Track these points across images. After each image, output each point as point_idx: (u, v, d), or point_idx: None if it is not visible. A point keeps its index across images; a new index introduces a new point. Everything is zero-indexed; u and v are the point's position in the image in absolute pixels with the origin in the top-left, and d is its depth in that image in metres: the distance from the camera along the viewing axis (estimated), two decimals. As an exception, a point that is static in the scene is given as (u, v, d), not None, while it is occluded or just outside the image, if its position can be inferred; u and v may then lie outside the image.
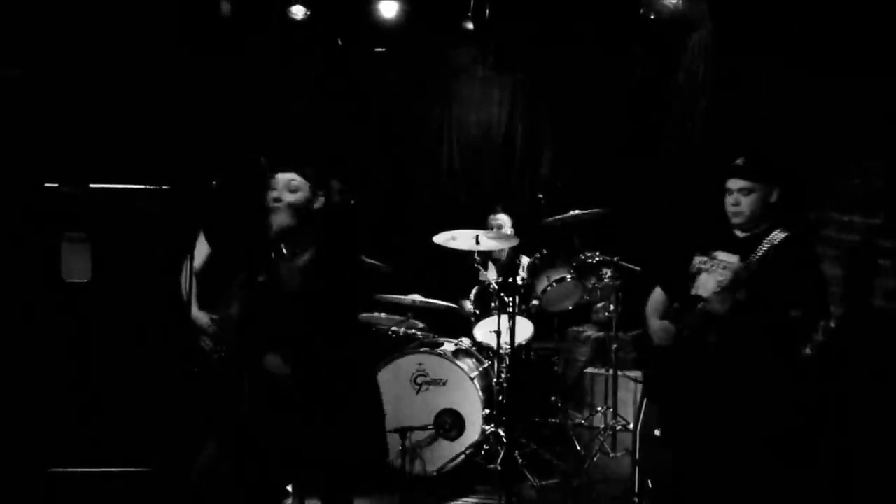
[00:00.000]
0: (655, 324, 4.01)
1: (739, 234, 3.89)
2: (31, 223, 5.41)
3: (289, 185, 4.05)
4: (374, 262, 5.98)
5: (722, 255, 3.85)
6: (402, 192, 7.16)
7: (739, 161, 3.86)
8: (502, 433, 5.45)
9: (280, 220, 4.07)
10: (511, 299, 5.44)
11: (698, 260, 3.93)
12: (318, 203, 4.17)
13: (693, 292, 3.90)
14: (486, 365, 5.77)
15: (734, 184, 3.85)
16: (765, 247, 3.76)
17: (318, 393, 3.97)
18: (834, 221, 4.63)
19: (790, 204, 3.93)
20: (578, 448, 5.74)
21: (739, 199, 3.83)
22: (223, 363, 4.43)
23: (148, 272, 5.41)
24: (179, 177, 5.19)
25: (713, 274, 3.84)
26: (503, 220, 6.28)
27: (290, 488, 4.59)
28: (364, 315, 6.06)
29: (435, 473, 5.36)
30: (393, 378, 5.48)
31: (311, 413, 3.92)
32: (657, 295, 4.18)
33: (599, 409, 5.94)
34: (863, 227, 4.40)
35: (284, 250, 4.11)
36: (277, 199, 4.05)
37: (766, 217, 3.84)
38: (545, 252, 5.82)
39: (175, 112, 5.96)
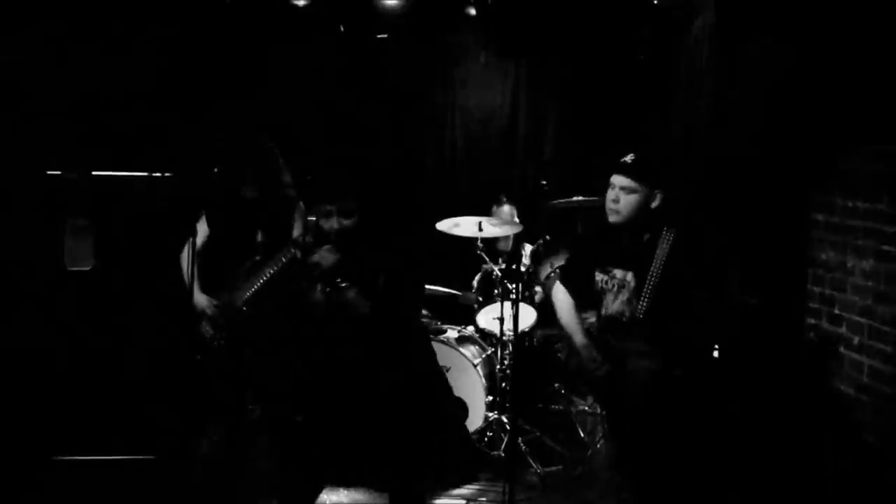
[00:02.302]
0: (582, 343, 3.97)
1: (629, 237, 3.85)
2: (34, 211, 5.40)
3: None
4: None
5: (618, 273, 3.84)
6: (405, 179, 7.13)
7: (628, 158, 3.81)
8: (505, 420, 5.45)
9: None
10: (514, 286, 5.43)
11: (599, 278, 3.91)
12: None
13: (603, 311, 3.91)
14: (489, 352, 5.77)
15: (617, 180, 3.79)
16: (659, 259, 3.72)
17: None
18: (838, 207, 4.61)
19: (676, 211, 3.89)
20: (582, 435, 5.73)
21: (619, 196, 3.78)
22: (223, 350, 4.43)
23: (150, 258, 5.40)
24: (180, 164, 5.18)
25: (613, 293, 3.85)
26: (508, 210, 6.26)
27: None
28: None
29: (438, 460, 5.36)
30: (396, 365, 5.48)
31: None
32: (566, 298, 4.09)
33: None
34: (866, 212, 4.38)
35: None
36: None
37: (644, 220, 3.79)
38: (548, 239, 5.81)
39: (176, 99, 5.95)
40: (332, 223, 4.07)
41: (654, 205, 3.80)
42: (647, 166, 3.81)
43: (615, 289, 3.85)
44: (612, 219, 3.83)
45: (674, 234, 3.77)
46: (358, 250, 4.07)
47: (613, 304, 3.87)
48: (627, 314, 3.82)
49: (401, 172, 6.79)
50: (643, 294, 3.75)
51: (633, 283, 3.79)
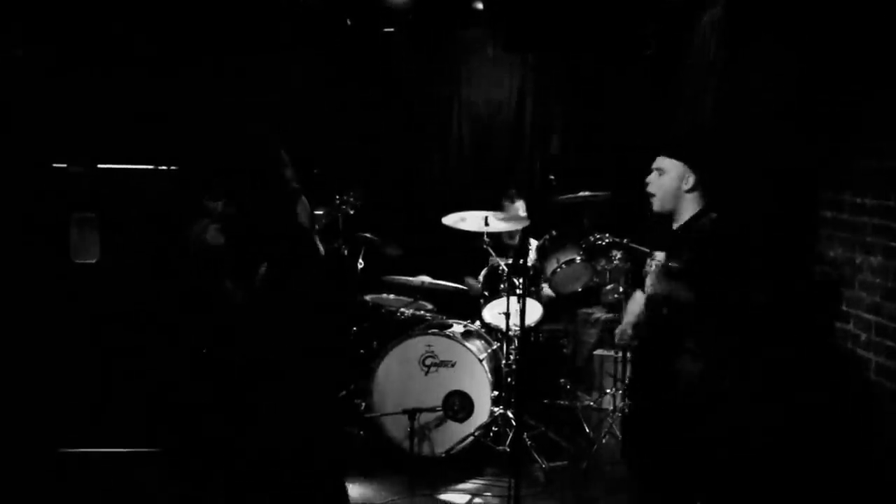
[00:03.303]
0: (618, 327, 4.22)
1: (674, 225, 3.96)
2: (40, 204, 5.41)
3: None
4: (384, 243, 5.98)
5: (658, 255, 3.96)
6: (412, 173, 7.13)
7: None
8: (511, 415, 5.45)
9: None
10: (520, 281, 5.42)
11: (647, 264, 4.04)
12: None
13: (648, 293, 4.02)
14: (494, 346, 5.76)
15: (655, 163, 3.96)
16: (693, 236, 3.83)
17: None
18: (846, 203, 4.59)
19: (714, 195, 3.96)
20: (587, 430, 5.73)
21: (653, 178, 3.93)
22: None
23: (156, 251, 5.40)
24: (186, 157, 5.17)
25: (651, 274, 3.97)
26: (518, 206, 6.26)
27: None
28: (373, 296, 6.06)
29: (443, 455, 5.36)
30: (401, 359, 5.48)
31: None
32: (639, 297, 4.28)
33: (608, 391, 5.92)
34: (875, 209, 4.37)
35: None
36: None
37: (678, 202, 3.89)
38: (555, 234, 5.80)
39: (182, 92, 5.94)
40: (218, 205, 3.98)
41: (686, 186, 3.87)
42: (683, 145, 3.97)
43: (653, 270, 3.95)
44: (653, 208, 3.96)
45: (713, 218, 3.83)
46: (242, 236, 3.92)
47: (653, 285, 3.95)
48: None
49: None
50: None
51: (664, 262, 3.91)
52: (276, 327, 4.57)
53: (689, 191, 3.88)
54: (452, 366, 5.46)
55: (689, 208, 3.89)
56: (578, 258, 5.63)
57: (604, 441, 5.52)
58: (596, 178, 5.98)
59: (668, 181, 3.88)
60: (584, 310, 6.68)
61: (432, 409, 5.36)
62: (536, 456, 5.27)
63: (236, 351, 4.58)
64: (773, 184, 4.93)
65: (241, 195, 4.61)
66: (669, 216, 3.95)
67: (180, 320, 4.95)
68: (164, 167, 5.35)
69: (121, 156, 5.53)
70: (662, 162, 3.90)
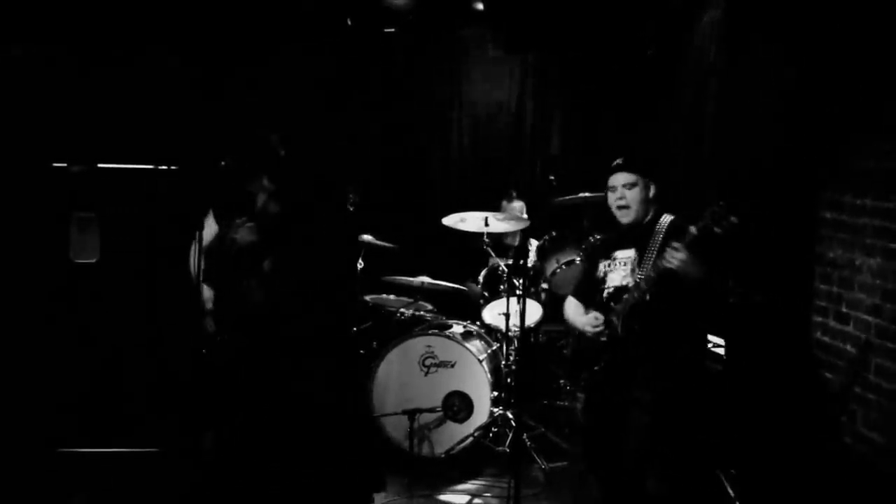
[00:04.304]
0: (583, 318, 4.11)
1: (625, 226, 4.08)
2: (40, 203, 5.40)
3: None
4: (383, 242, 5.97)
5: (619, 254, 4.07)
6: (412, 174, 7.13)
7: (619, 160, 4.07)
8: (511, 416, 5.45)
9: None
10: (520, 282, 5.42)
11: (603, 264, 4.14)
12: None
13: (605, 292, 4.07)
14: (494, 347, 5.76)
15: (617, 180, 4.05)
16: (658, 236, 3.94)
17: None
18: (847, 204, 4.59)
19: (664, 200, 4.13)
20: (587, 431, 5.72)
21: (624, 193, 4.02)
22: (225, 346, 4.40)
23: (157, 251, 5.40)
24: (187, 157, 5.17)
25: (617, 271, 4.06)
26: (518, 206, 6.26)
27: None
28: (373, 296, 6.06)
29: (443, 456, 5.36)
30: (401, 360, 5.48)
31: None
32: (574, 303, 4.30)
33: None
34: (876, 210, 4.36)
35: None
36: None
37: (647, 211, 4.05)
38: (554, 234, 5.80)
39: (181, 92, 5.94)
40: (261, 199, 3.97)
41: (651, 194, 4.05)
42: (641, 159, 4.08)
43: (617, 267, 4.06)
44: (623, 219, 4.06)
45: (673, 218, 3.99)
46: (275, 237, 3.94)
47: (617, 280, 4.04)
48: (631, 283, 3.97)
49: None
50: (643, 263, 3.93)
51: (634, 257, 4.01)
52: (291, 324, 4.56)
53: (652, 199, 4.05)
54: (452, 366, 5.46)
55: (648, 214, 4.06)
56: (578, 259, 5.63)
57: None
58: (596, 178, 5.97)
59: (638, 193, 4.01)
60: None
61: (432, 410, 5.36)
62: (536, 457, 5.26)
63: (248, 348, 4.57)
64: (772, 183, 4.93)
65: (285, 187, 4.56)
66: (634, 220, 4.06)
67: (183, 319, 4.96)
68: (164, 167, 5.34)
69: (121, 155, 5.53)
70: (628, 177, 4.01)
